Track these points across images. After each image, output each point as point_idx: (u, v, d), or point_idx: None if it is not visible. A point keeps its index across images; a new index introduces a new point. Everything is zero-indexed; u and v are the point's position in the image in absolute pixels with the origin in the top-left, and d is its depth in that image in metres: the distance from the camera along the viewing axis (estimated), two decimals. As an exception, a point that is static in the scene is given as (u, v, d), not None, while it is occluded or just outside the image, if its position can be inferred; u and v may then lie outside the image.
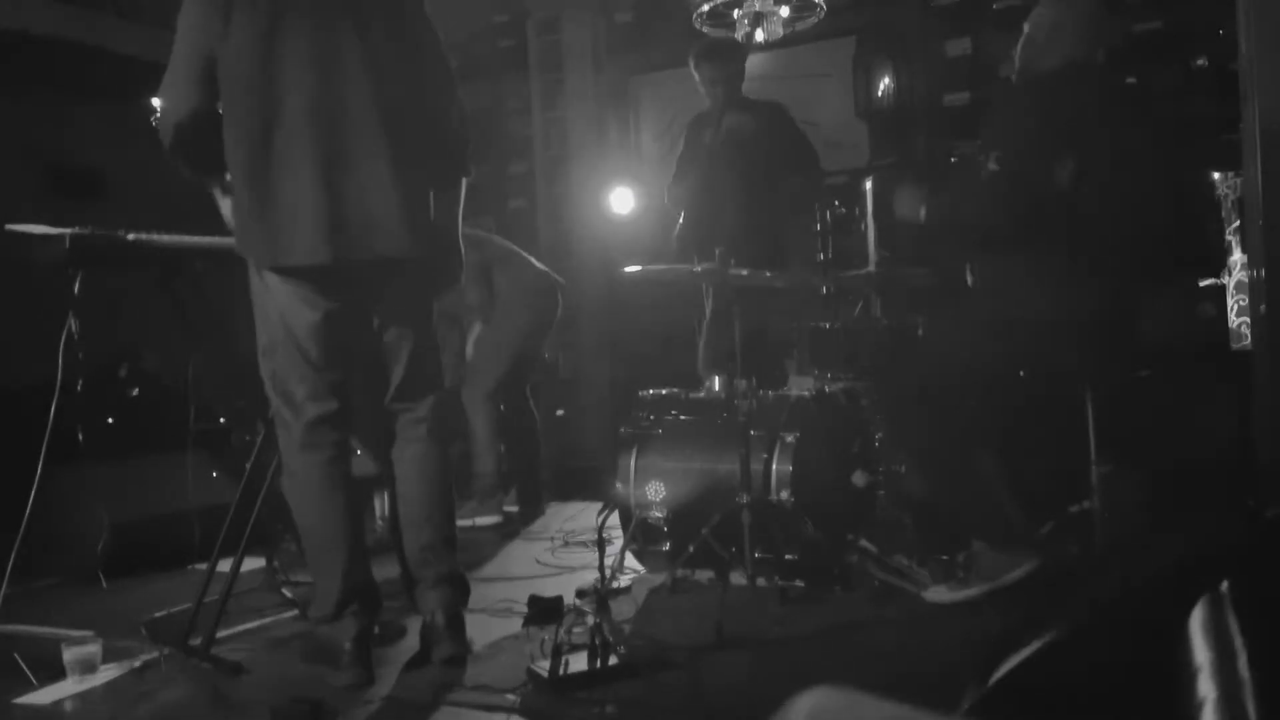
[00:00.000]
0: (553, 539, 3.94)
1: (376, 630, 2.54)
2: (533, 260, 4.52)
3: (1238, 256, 4.20)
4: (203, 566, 2.75)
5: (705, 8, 4.24)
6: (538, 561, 3.61)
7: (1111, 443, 2.82)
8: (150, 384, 4.67)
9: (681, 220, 3.82)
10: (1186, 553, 1.02)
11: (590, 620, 2.41)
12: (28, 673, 2.47)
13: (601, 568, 3.07)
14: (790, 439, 3.05)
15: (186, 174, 2.42)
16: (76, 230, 2.55)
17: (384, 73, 2.35)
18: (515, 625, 2.79)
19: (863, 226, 3.67)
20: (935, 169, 4.90)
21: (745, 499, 2.82)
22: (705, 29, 4.35)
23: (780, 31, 4.10)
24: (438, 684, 2.36)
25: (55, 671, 2.46)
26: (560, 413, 5.62)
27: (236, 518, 2.73)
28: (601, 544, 3.12)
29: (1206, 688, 0.76)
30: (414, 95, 2.42)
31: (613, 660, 2.32)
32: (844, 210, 3.66)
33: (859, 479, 3.14)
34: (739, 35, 3.97)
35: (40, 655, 2.51)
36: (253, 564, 3.18)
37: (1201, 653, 0.80)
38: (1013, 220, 2.70)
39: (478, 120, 4.75)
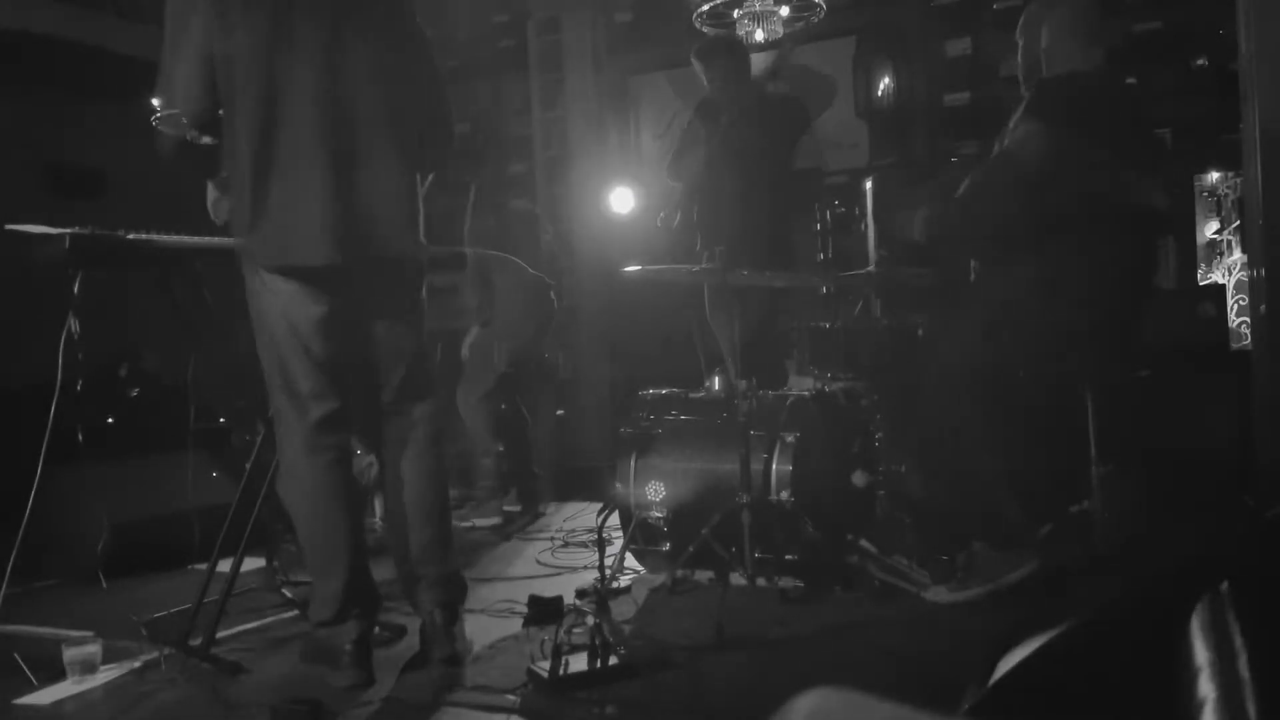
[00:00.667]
0: (553, 539, 3.94)
1: (376, 630, 2.54)
2: (525, 265, 4.54)
3: (1238, 256, 4.20)
4: (203, 566, 2.75)
5: (705, 8, 4.24)
6: (538, 561, 3.61)
7: (1111, 443, 2.82)
8: (150, 384, 4.67)
9: (680, 217, 3.82)
10: (1186, 553, 1.02)
11: (590, 620, 2.41)
12: (28, 673, 2.47)
13: (601, 568, 3.07)
14: (790, 439, 3.05)
15: (189, 167, 2.42)
16: (76, 230, 2.55)
17: (383, 73, 2.36)
18: (515, 625, 2.79)
19: (863, 226, 3.67)
20: (935, 169, 4.90)
21: (745, 499, 2.82)
22: (705, 29, 4.36)
23: (780, 31, 4.11)
24: (438, 684, 2.36)
25: (55, 672, 2.46)
26: (560, 413, 5.62)
27: (236, 518, 2.73)
28: (601, 544, 3.12)
29: (1206, 688, 0.76)
30: (411, 95, 2.43)
31: (613, 660, 2.32)
32: (844, 210, 3.66)
33: (859, 479, 3.14)
34: (740, 35, 3.98)
35: (40, 655, 2.51)
36: (253, 564, 3.18)
37: (1201, 653, 0.80)
38: (1022, 206, 2.71)
39: (478, 120, 4.79)
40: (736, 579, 2.88)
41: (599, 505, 3.47)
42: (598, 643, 2.33)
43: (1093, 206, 2.71)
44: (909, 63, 5.26)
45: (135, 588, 3.37)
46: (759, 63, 4.89)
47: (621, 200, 5.26)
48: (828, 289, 3.57)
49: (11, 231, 2.58)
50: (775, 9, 4.16)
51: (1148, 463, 3.26)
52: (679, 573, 3.00)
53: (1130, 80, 4.26)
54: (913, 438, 2.99)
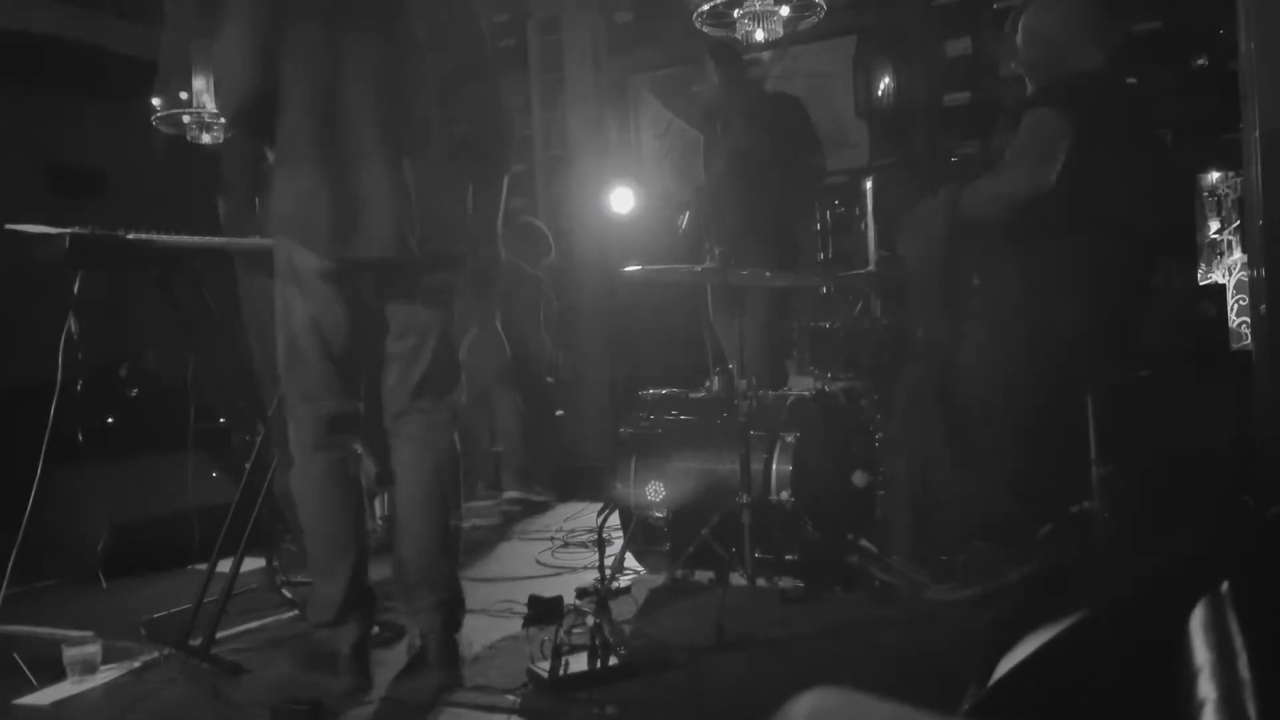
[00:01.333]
0: (553, 539, 3.94)
1: (375, 630, 2.54)
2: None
3: (1238, 256, 4.20)
4: (203, 566, 2.75)
5: (705, 8, 4.23)
6: (538, 561, 3.61)
7: (1111, 443, 2.81)
8: (150, 384, 4.67)
9: (687, 219, 3.82)
10: (1186, 553, 1.02)
11: (590, 621, 2.41)
12: (28, 673, 2.47)
13: (601, 568, 3.07)
14: (790, 439, 3.05)
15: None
16: (76, 230, 2.55)
17: (442, 73, 2.39)
18: (515, 625, 2.79)
19: (863, 226, 3.67)
20: (935, 169, 4.90)
21: (745, 499, 2.82)
22: (705, 29, 4.35)
23: (780, 31, 4.10)
24: (437, 684, 2.36)
25: (55, 672, 2.46)
26: (560, 413, 5.62)
27: (236, 518, 2.73)
28: (601, 544, 3.12)
29: (1206, 688, 0.76)
30: (465, 98, 2.45)
31: (613, 661, 2.32)
32: (844, 210, 3.66)
33: (859, 479, 3.14)
34: (739, 35, 3.97)
35: (40, 655, 2.51)
36: (253, 564, 3.17)
37: (1201, 653, 0.80)
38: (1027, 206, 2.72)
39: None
40: (736, 579, 2.88)
41: (599, 505, 3.47)
42: (598, 643, 2.33)
43: (1095, 206, 2.71)
44: (909, 63, 5.25)
45: (135, 588, 3.37)
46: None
47: (621, 200, 5.26)
48: (828, 289, 3.57)
49: (11, 231, 2.58)
50: (775, 9, 4.15)
51: (1148, 463, 3.26)
52: (679, 573, 3.00)
53: (1130, 80, 4.26)
54: (913, 438, 2.99)
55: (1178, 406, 3.54)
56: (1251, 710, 0.73)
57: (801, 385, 3.55)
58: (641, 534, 3.15)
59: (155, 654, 2.58)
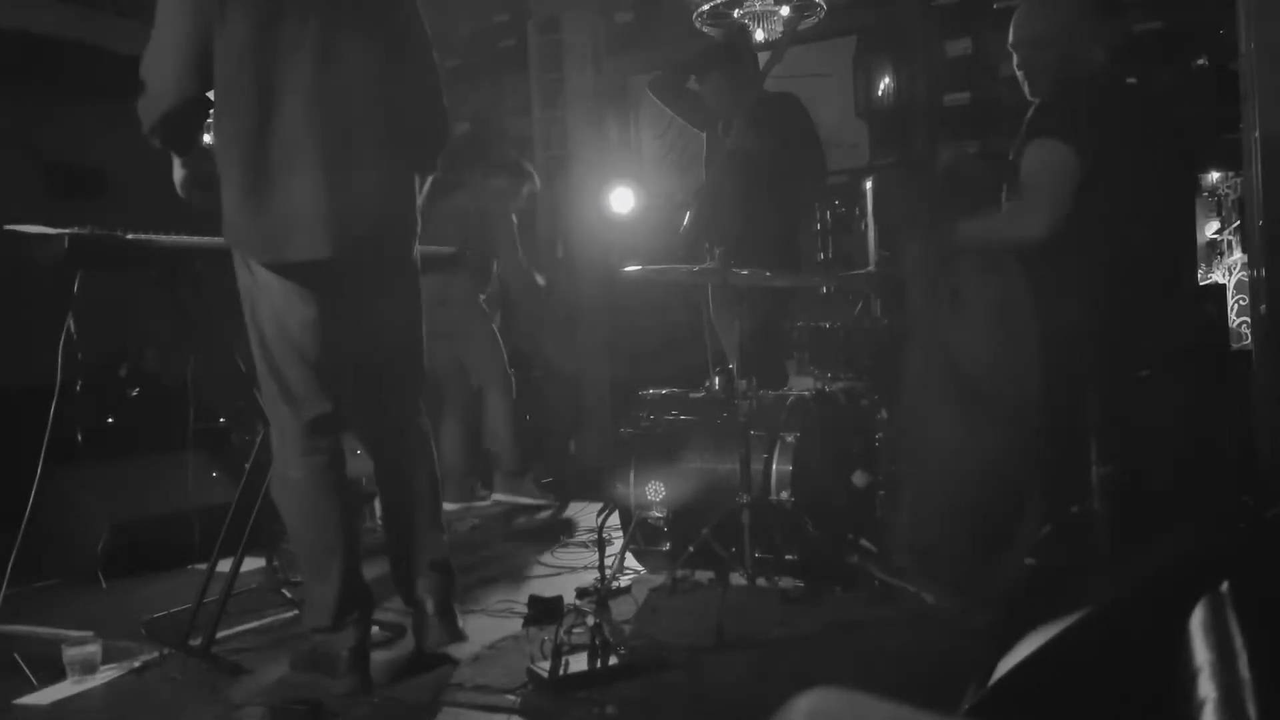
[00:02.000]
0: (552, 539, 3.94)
1: (375, 629, 2.54)
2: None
3: (1238, 256, 4.20)
4: (203, 566, 2.75)
5: (705, 7, 4.24)
6: (538, 561, 3.60)
7: (1111, 443, 2.81)
8: (150, 384, 4.67)
9: (688, 219, 3.81)
10: (1186, 553, 1.02)
11: (590, 620, 2.41)
12: (28, 673, 2.47)
13: (601, 568, 3.07)
14: (790, 439, 3.05)
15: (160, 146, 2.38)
16: (76, 230, 2.54)
17: (380, 68, 2.34)
18: (515, 626, 2.79)
19: (863, 226, 3.67)
20: (935, 170, 4.90)
21: (745, 499, 2.82)
22: (705, 29, 4.35)
23: (780, 31, 4.10)
24: (437, 684, 2.36)
25: (55, 672, 2.45)
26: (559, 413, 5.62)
27: (236, 518, 2.73)
28: (601, 544, 3.12)
29: (1207, 688, 0.76)
30: (406, 91, 2.42)
31: (613, 660, 2.32)
32: (844, 210, 3.65)
33: (859, 479, 3.14)
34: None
35: (40, 655, 2.51)
36: (253, 564, 3.17)
37: (1201, 653, 0.80)
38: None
39: (477, 120, 4.80)
40: (736, 579, 2.88)
41: (599, 505, 3.47)
42: (598, 643, 2.33)
43: (1098, 207, 2.71)
44: (909, 63, 5.25)
45: (135, 588, 3.37)
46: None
47: (621, 200, 5.26)
48: (828, 289, 3.56)
49: (11, 231, 2.58)
50: (775, 9, 4.16)
51: (1148, 463, 3.26)
52: (679, 573, 3.00)
53: (1130, 80, 4.25)
54: (913, 437, 2.99)
55: (1178, 406, 3.54)
56: (1251, 710, 0.73)
57: (801, 385, 3.55)
58: (641, 534, 3.15)
59: (155, 654, 2.58)
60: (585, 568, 3.40)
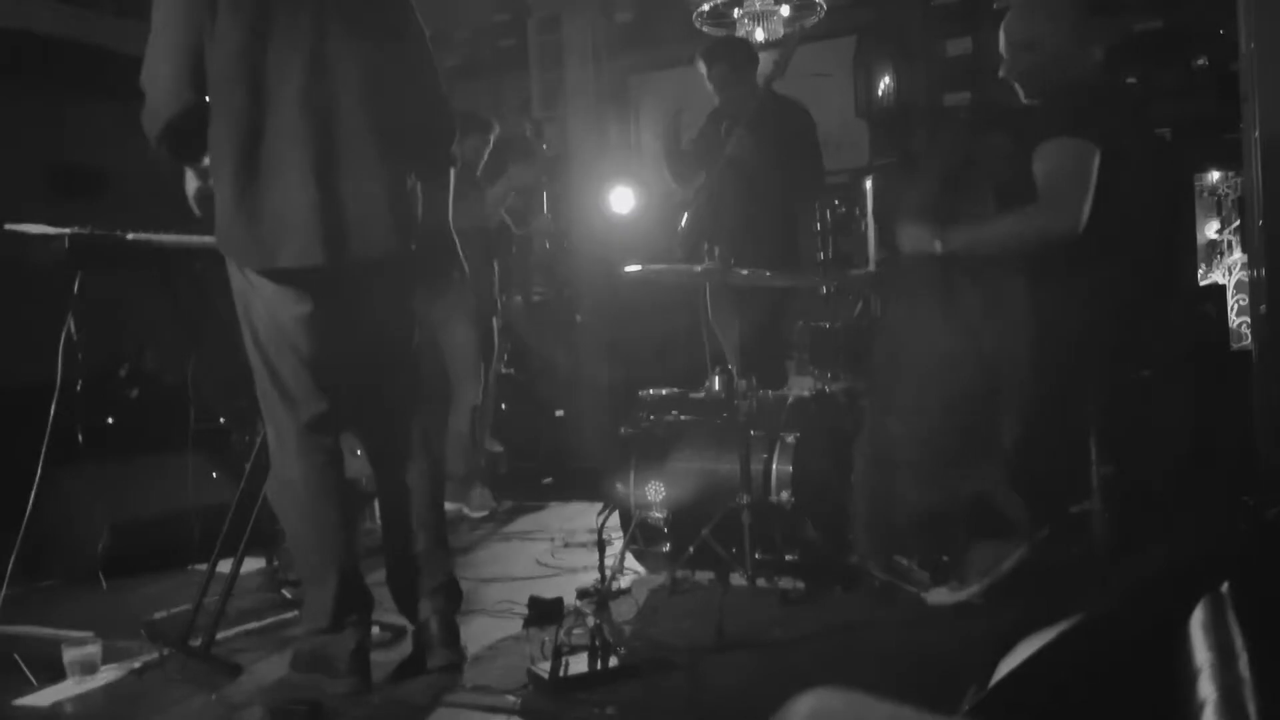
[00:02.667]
0: (553, 539, 3.94)
1: (375, 630, 2.54)
2: None
3: (1238, 256, 4.20)
4: (203, 566, 2.75)
5: (705, 7, 4.24)
6: (538, 562, 3.60)
7: (1111, 443, 2.81)
8: (150, 384, 4.66)
9: (685, 220, 3.81)
10: (1186, 553, 1.02)
11: (590, 621, 2.41)
12: (28, 673, 2.47)
13: (601, 569, 3.07)
14: (790, 439, 3.05)
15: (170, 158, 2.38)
16: (76, 230, 2.55)
17: (373, 70, 2.33)
18: (515, 626, 2.78)
19: (863, 226, 3.67)
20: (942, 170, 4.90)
21: (745, 499, 2.82)
22: (706, 29, 4.35)
23: (780, 31, 4.10)
24: (437, 685, 2.36)
25: (55, 672, 2.45)
26: (560, 413, 5.62)
27: (236, 518, 2.73)
28: (601, 545, 3.12)
29: (1207, 688, 0.76)
30: (402, 93, 2.41)
31: (613, 662, 2.32)
32: (844, 210, 3.65)
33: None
34: (740, 34, 3.97)
35: (40, 656, 2.51)
36: (253, 564, 3.18)
37: (1201, 653, 0.80)
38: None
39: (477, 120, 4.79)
40: (736, 580, 2.88)
41: (599, 505, 3.47)
42: (598, 644, 2.33)
43: (1098, 207, 2.70)
44: (909, 63, 5.26)
45: (135, 588, 3.37)
46: (763, 63, 4.88)
47: (621, 200, 5.26)
48: (828, 289, 3.56)
49: (11, 231, 2.58)
50: (775, 8, 4.16)
51: (1148, 463, 3.26)
52: (679, 573, 3.00)
53: (1130, 80, 4.26)
54: (914, 437, 2.98)
55: (1178, 406, 3.54)
56: (1251, 710, 0.73)
57: (801, 385, 3.55)
58: (641, 534, 3.15)
59: (155, 654, 2.58)
60: (585, 568, 3.40)
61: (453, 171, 2.60)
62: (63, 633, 2.62)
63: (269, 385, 2.37)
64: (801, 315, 3.64)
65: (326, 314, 2.36)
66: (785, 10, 4.24)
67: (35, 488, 2.68)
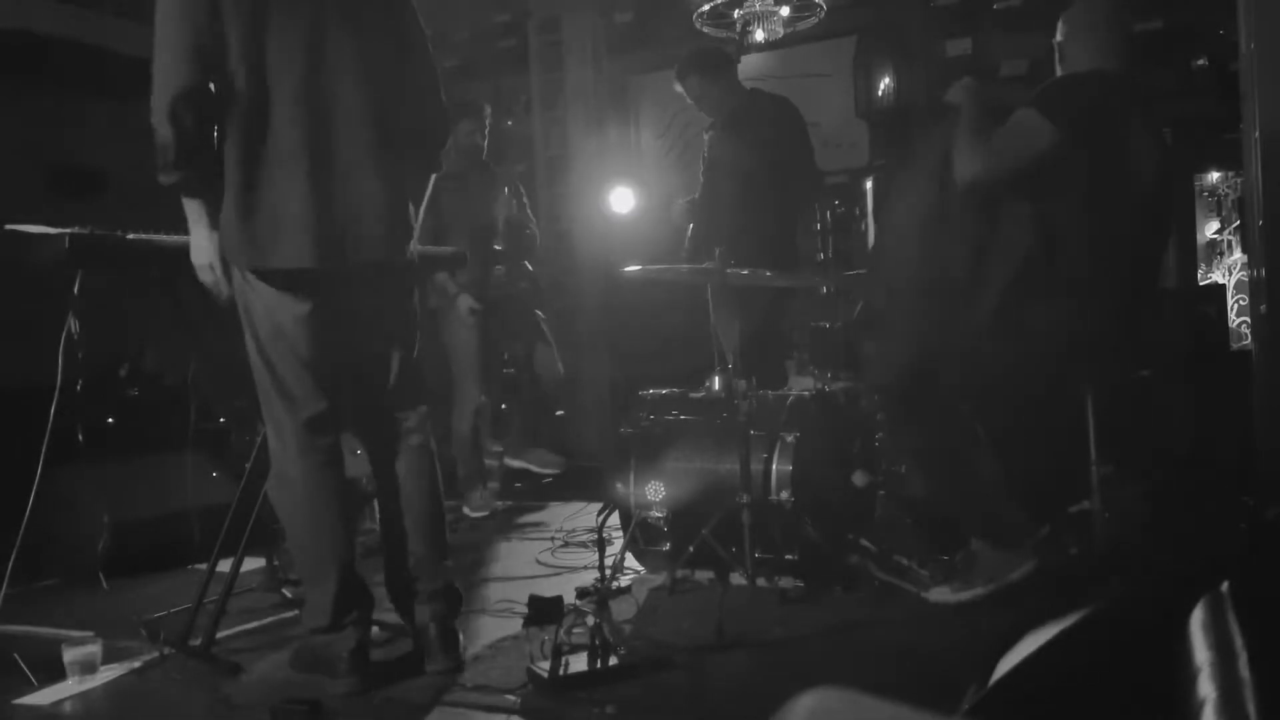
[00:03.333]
0: (553, 539, 3.94)
1: (375, 630, 2.54)
2: None
3: (1238, 256, 4.20)
4: (203, 566, 2.75)
5: (705, 8, 4.24)
6: (538, 561, 3.60)
7: (1111, 443, 2.82)
8: (150, 384, 4.66)
9: (690, 235, 3.83)
10: (1186, 553, 1.02)
11: (590, 621, 2.41)
12: (28, 673, 2.47)
13: (601, 568, 3.07)
14: (790, 439, 3.05)
15: (173, 163, 2.27)
16: (76, 230, 2.54)
17: (372, 71, 2.34)
18: (515, 625, 2.78)
19: (863, 226, 3.67)
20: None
21: (745, 499, 2.82)
22: (705, 29, 4.35)
23: (780, 31, 4.10)
24: (437, 684, 2.36)
25: (55, 672, 2.45)
26: (560, 413, 5.62)
27: (236, 518, 2.73)
28: (601, 544, 3.12)
29: (1206, 688, 0.76)
30: (400, 94, 2.41)
31: (613, 661, 2.32)
32: (844, 210, 3.66)
33: (859, 479, 3.14)
34: (738, 34, 3.97)
35: (40, 655, 2.51)
36: (253, 564, 3.17)
37: (1201, 653, 0.80)
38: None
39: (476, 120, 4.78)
40: (736, 579, 2.88)
41: (599, 505, 3.47)
42: (598, 643, 2.33)
43: (1097, 207, 2.71)
44: (909, 63, 5.26)
45: (135, 588, 3.37)
46: (757, 63, 4.89)
47: (621, 200, 5.26)
48: (828, 289, 3.57)
49: (11, 231, 2.58)
50: (775, 9, 4.16)
51: (1148, 463, 3.26)
52: (679, 573, 3.00)
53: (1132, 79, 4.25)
54: (912, 438, 2.99)
55: (1178, 406, 3.54)
56: (1251, 710, 0.73)
57: (801, 385, 3.55)
58: (641, 534, 3.15)
59: (155, 654, 2.58)
60: (585, 568, 3.40)
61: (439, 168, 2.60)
62: (63, 633, 2.62)
63: (269, 385, 2.37)
64: (800, 315, 3.64)
65: (326, 314, 2.36)
66: (785, 10, 4.23)
67: (35, 488, 2.68)
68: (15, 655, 2.52)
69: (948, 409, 2.76)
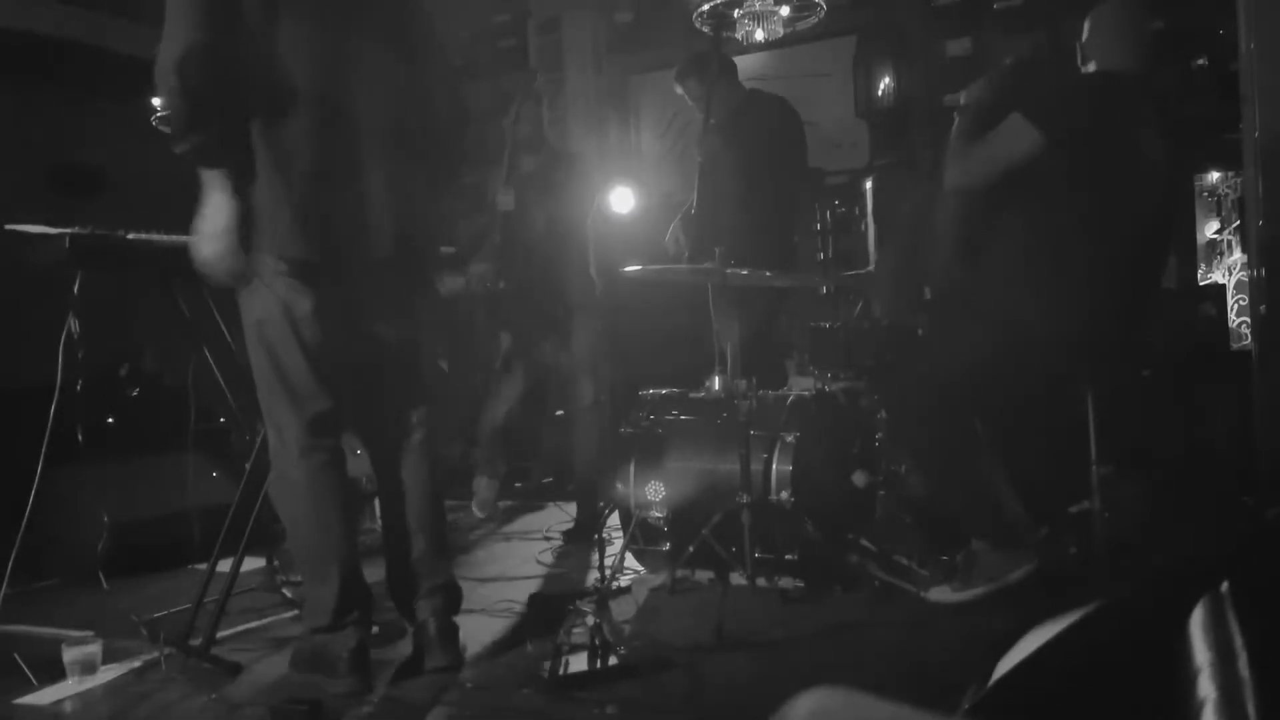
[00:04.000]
0: (552, 539, 3.94)
1: (375, 629, 2.54)
2: None
3: (1238, 256, 4.20)
4: (203, 566, 2.75)
5: (705, 8, 4.23)
6: (538, 562, 3.60)
7: (1111, 443, 2.82)
8: (150, 384, 4.67)
9: (690, 244, 3.82)
10: (1186, 553, 1.02)
11: (590, 620, 2.41)
12: (28, 673, 2.47)
13: (602, 568, 3.07)
14: (790, 439, 3.05)
15: (184, 128, 2.17)
16: (76, 230, 2.55)
17: (388, 70, 2.35)
18: (515, 625, 2.78)
19: (863, 226, 3.67)
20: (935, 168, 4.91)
21: (745, 499, 2.82)
22: (705, 29, 4.35)
23: (780, 31, 4.10)
24: (437, 684, 2.36)
25: (55, 672, 2.45)
26: (560, 413, 5.62)
27: (236, 518, 2.73)
28: (601, 544, 3.12)
29: (1206, 688, 0.76)
30: (416, 94, 2.42)
31: (613, 661, 2.32)
32: (844, 210, 3.66)
33: (859, 479, 3.14)
34: (739, 35, 3.96)
35: (40, 655, 2.51)
36: (253, 564, 3.18)
37: (1201, 653, 0.80)
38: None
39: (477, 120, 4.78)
40: (736, 579, 2.88)
41: (599, 505, 3.47)
42: (598, 643, 2.33)
43: (1096, 206, 2.71)
44: (909, 63, 5.26)
45: (135, 588, 3.37)
46: (757, 63, 4.88)
47: (621, 200, 5.26)
48: (828, 289, 3.57)
49: (11, 231, 2.58)
50: (775, 9, 4.15)
51: (1148, 463, 3.26)
52: (679, 573, 3.00)
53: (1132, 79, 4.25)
54: (913, 438, 2.99)
55: (1178, 406, 3.54)
56: (1251, 710, 0.73)
57: (801, 385, 3.55)
58: (641, 534, 3.15)
59: (155, 654, 2.58)
60: (585, 568, 3.40)
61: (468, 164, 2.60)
62: (63, 633, 2.62)
63: (273, 383, 2.36)
64: (799, 314, 3.64)
65: (335, 310, 2.36)
66: (785, 10, 4.23)
67: (35, 488, 2.68)
68: (15, 655, 2.52)
69: (948, 409, 2.76)
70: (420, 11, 2.47)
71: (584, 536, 3.77)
